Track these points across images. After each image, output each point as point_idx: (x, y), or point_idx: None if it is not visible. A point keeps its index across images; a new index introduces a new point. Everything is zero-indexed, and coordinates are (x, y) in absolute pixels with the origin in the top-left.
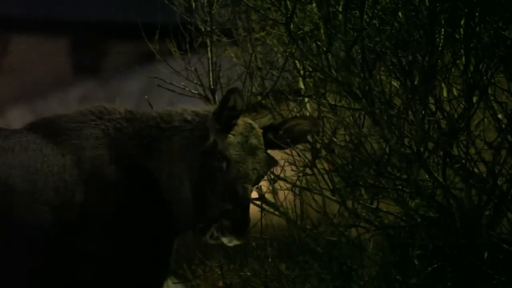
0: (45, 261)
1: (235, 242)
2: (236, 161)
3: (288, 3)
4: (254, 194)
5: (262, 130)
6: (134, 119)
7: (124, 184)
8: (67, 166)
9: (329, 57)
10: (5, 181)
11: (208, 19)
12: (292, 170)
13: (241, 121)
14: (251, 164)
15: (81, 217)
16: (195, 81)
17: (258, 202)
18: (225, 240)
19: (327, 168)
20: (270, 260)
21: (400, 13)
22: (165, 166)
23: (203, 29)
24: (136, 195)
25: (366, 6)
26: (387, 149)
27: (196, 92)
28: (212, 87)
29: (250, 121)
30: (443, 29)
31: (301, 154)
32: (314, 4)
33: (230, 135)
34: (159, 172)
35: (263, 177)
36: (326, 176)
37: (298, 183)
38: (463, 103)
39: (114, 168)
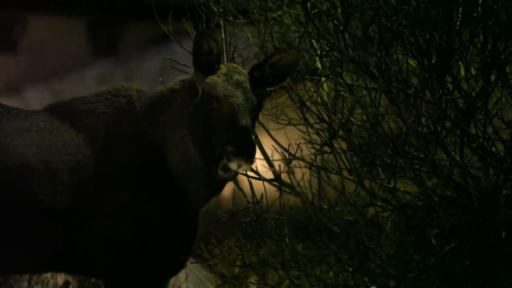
0: (58, 242)
1: (243, 166)
2: (226, 96)
3: None
4: (271, 175)
5: (247, 71)
6: (143, 96)
7: (136, 163)
8: (81, 146)
9: (346, 36)
10: (21, 160)
11: (222, 0)
12: (309, 149)
13: (224, 65)
14: (242, 95)
15: (94, 197)
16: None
17: (275, 183)
18: (233, 165)
19: (344, 148)
20: (287, 240)
21: None
22: (170, 138)
23: (216, 9)
24: (148, 174)
25: None
26: (404, 129)
27: None
28: None
29: (233, 64)
30: (460, 8)
31: (319, 133)
32: None
33: (213, 77)
34: (166, 145)
35: (260, 108)
36: (343, 156)
37: (315, 162)
38: (481, 81)
39: (126, 147)
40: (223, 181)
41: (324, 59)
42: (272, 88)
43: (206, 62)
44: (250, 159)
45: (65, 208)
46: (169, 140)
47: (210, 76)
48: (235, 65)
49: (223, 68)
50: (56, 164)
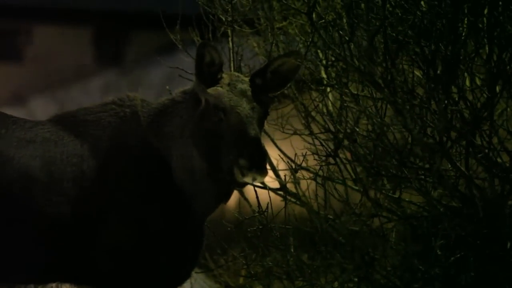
0: (63, 252)
1: (258, 178)
2: (232, 107)
3: None
4: (276, 184)
5: (248, 78)
6: (147, 107)
7: (141, 173)
8: (85, 157)
9: (352, 46)
10: (25, 171)
11: (229, 9)
12: (315, 159)
13: (226, 74)
14: (248, 104)
15: (99, 207)
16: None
17: (280, 192)
18: (248, 179)
19: (349, 158)
20: (292, 250)
21: (422, 2)
22: (174, 149)
23: (224, 19)
24: (153, 184)
25: None
26: (409, 139)
27: None
28: None
29: (235, 73)
30: (466, 18)
31: (323, 144)
32: None
33: (217, 87)
34: (170, 156)
35: (266, 116)
36: (348, 166)
37: (320, 172)
38: (486, 92)
39: (131, 158)
40: (230, 190)
41: (330, 69)
42: (274, 94)
43: (208, 73)
44: (264, 171)
45: (69, 219)
46: (173, 151)
47: (214, 87)
48: (237, 74)
49: (226, 78)
50: (61, 175)
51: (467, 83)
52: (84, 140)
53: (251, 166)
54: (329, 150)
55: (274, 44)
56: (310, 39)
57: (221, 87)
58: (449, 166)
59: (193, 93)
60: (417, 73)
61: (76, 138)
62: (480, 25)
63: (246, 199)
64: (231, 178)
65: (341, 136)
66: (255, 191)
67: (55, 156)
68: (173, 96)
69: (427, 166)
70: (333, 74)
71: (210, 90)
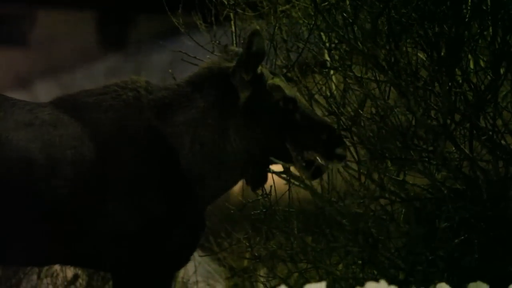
0: (64, 236)
1: (339, 164)
2: (296, 96)
3: None
4: (280, 167)
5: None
6: (155, 89)
7: (143, 156)
8: (85, 140)
9: (355, 29)
10: (24, 154)
11: None
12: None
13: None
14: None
15: (101, 191)
16: (220, 55)
17: (284, 175)
18: (336, 164)
19: (353, 141)
20: (296, 232)
21: None
22: (186, 136)
23: (226, 2)
24: (155, 167)
25: None
26: (413, 121)
27: None
28: None
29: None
30: (469, 0)
31: None
32: None
33: (275, 78)
34: (181, 143)
35: None
36: (352, 149)
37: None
38: (490, 74)
39: (132, 141)
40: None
41: (333, 52)
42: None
43: (254, 63)
44: (344, 152)
45: (69, 202)
46: (186, 138)
47: (274, 78)
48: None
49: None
50: (60, 158)
51: (471, 65)
52: (84, 123)
53: (334, 154)
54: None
55: (277, 28)
56: (313, 22)
57: (273, 78)
58: (453, 148)
59: (215, 82)
60: (421, 55)
61: (77, 121)
62: (484, 7)
63: None
64: (309, 167)
65: (344, 118)
66: None
67: (54, 139)
68: (183, 83)
69: (431, 148)
70: (337, 57)
71: (266, 83)
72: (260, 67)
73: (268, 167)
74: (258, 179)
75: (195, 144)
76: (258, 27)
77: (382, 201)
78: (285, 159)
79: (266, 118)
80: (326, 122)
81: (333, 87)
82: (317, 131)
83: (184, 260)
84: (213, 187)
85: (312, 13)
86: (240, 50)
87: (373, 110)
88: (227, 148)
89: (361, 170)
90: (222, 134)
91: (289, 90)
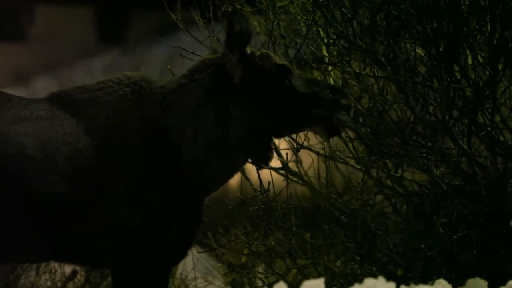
0: (60, 231)
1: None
2: (291, 66)
3: None
4: (278, 163)
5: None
6: (152, 83)
7: (139, 151)
8: (81, 135)
9: (354, 24)
10: (18, 149)
11: None
12: (317, 138)
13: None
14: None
15: (96, 187)
16: (218, 50)
17: (282, 171)
18: (344, 116)
19: (351, 136)
20: (294, 229)
21: None
22: (192, 125)
23: None
24: (152, 162)
25: None
26: (412, 117)
27: None
28: None
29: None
30: None
31: None
32: None
33: (267, 52)
34: (182, 134)
35: None
36: (350, 145)
37: (322, 151)
38: (489, 70)
39: (128, 136)
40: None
41: (331, 48)
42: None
43: (240, 43)
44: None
45: (64, 198)
46: (189, 128)
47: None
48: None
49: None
50: (55, 154)
51: (469, 61)
52: (80, 119)
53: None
54: None
55: (275, 23)
56: (312, 18)
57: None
58: (451, 144)
59: (210, 70)
60: (419, 51)
61: (72, 117)
62: (482, 3)
63: (248, 178)
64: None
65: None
66: (257, 170)
67: (50, 135)
68: (179, 78)
69: (429, 144)
70: (335, 53)
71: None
72: (249, 48)
73: (272, 141)
74: (264, 155)
75: (198, 132)
76: (236, 12)
77: (380, 197)
78: (291, 130)
79: (264, 90)
80: (323, 82)
81: (332, 82)
82: (317, 90)
83: (181, 255)
84: (216, 174)
85: (311, 9)
86: None
87: (372, 106)
88: (230, 130)
89: (359, 166)
90: (225, 116)
91: (280, 60)
